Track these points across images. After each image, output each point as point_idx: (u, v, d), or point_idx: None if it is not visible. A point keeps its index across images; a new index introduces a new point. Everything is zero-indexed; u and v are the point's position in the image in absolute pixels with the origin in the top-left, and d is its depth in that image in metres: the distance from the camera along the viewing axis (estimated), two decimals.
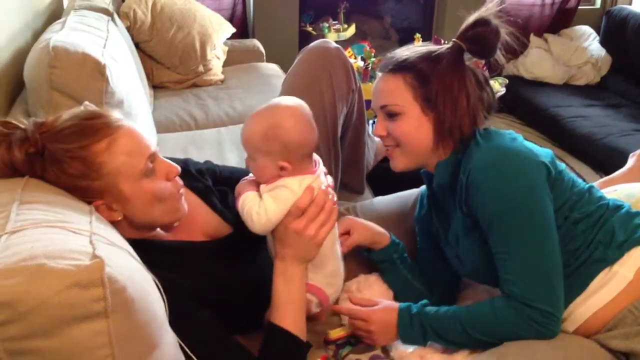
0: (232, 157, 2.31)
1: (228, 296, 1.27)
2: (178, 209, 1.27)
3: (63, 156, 1.10)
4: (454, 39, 1.28)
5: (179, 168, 1.26)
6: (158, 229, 1.31)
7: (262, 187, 1.23)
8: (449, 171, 1.27)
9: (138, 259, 1.00)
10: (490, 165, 1.17)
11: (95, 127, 1.13)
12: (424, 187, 1.51)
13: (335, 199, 1.26)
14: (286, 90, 1.76)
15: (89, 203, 1.11)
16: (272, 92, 2.93)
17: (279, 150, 1.19)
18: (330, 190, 1.25)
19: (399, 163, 1.31)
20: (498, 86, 3.91)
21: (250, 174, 1.29)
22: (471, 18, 1.26)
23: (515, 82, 4.03)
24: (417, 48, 1.31)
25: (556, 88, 4.12)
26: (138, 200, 1.18)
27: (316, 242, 1.20)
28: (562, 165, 1.26)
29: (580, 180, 1.30)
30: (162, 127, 2.64)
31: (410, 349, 1.27)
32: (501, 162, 1.17)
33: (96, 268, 0.79)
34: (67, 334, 0.77)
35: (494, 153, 1.18)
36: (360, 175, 1.95)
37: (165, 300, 1.00)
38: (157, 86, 3.16)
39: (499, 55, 1.29)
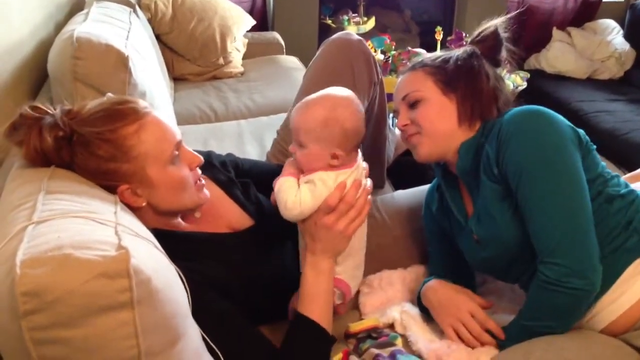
0: (252, 150, 2.31)
1: (250, 287, 1.28)
2: (200, 197, 1.28)
3: (93, 138, 1.11)
4: (469, 44, 1.35)
5: (202, 159, 1.28)
6: (180, 220, 1.31)
7: (302, 177, 1.23)
8: (472, 152, 1.27)
9: (162, 250, 1.00)
10: (522, 121, 1.18)
11: (124, 112, 1.15)
12: (430, 185, 1.52)
13: (370, 189, 1.27)
14: (307, 83, 1.75)
15: (115, 187, 1.13)
16: (292, 84, 2.95)
17: (337, 136, 1.20)
18: (365, 182, 1.25)
19: (423, 150, 1.30)
20: (520, 80, 3.86)
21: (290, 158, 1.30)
22: (489, 27, 1.35)
23: (537, 76, 3.99)
24: (441, 53, 1.38)
25: (579, 82, 4.06)
26: (163, 186, 1.19)
27: (345, 237, 1.22)
28: (593, 146, 1.24)
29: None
30: (183, 119, 2.64)
31: (434, 344, 1.26)
32: (533, 118, 1.17)
33: (122, 259, 0.79)
34: (92, 324, 0.78)
35: (526, 111, 1.19)
36: (381, 168, 1.94)
37: (189, 291, 1.00)
38: (177, 78, 3.17)
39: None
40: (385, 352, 1.23)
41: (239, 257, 1.31)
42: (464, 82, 1.28)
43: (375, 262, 1.40)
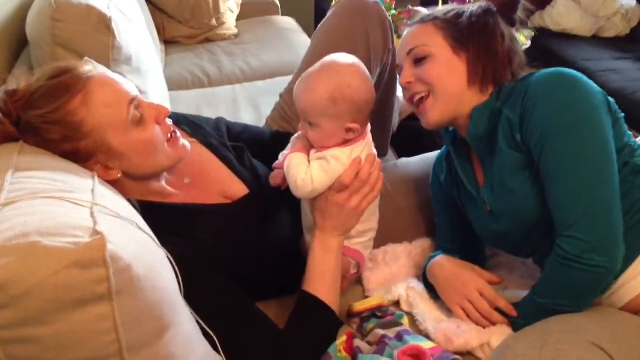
0: (247, 117, 2.23)
1: (249, 261, 1.21)
2: (177, 152, 1.18)
3: (39, 123, 1.03)
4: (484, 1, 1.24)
5: (168, 109, 1.18)
6: (166, 186, 1.23)
7: (312, 152, 1.16)
8: (486, 117, 1.18)
9: (147, 230, 0.92)
10: (550, 85, 1.09)
11: (64, 85, 1.05)
12: (438, 152, 1.43)
13: (381, 164, 1.20)
14: (317, 47, 1.64)
15: (84, 165, 1.05)
16: (289, 46, 2.89)
17: (348, 111, 1.13)
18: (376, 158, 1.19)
19: (433, 114, 1.20)
20: (524, 39, 3.74)
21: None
22: None
23: (542, 35, 3.84)
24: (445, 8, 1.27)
25: (584, 40, 3.94)
26: (132, 152, 1.10)
27: (357, 214, 1.16)
28: (621, 114, 1.16)
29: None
30: (174, 84, 2.56)
31: (442, 323, 1.19)
32: (563, 82, 1.09)
33: (97, 245, 0.70)
34: (66, 319, 0.69)
35: (554, 74, 1.10)
36: (386, 137, 1.84)
37: (179, 273, 0.92)
38: (168, 41, 3.06)
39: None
40: (391, 333, 1.16)
41: (235, 230, 1.24)
42: (477, 41, 1.18)
43: (379, 236, 1.32)
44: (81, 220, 0.76)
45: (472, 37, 1.18)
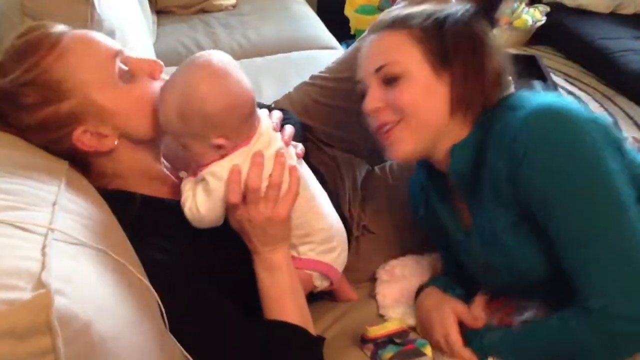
0: None
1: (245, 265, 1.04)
2: None
3: (13, 88, 0.92)
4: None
5: (161, 63, 1.03)
6: (168, 173, 1.09)
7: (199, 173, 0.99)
8: (470, 153, 0.98)
9: (125, 246, 0.76)
10: (542, 130, 0.89)
11: (35, 41, 0.94)
12: (410, 181, 1.23)
13: (294, 152, 1.02)
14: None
15: (69, 139, 0.93)
16: (291, 19, 2.76)
17: (204, 127, 0.93)
18: (278, 146, 0.98)
19: (404, 147, 0.99)
20: (539, 14, 3.60)
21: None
22: None
23: (557, 10, 3.70)
24: (421, 6, 1.05)
25: (602, 17, 3.76)
26: (125, 109, 0.97)
27: (279, 221, 0.96)
28: (622, 134, 1.01)
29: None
30: (166, 59, 2.24)
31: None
32: (555, 125, 0.89)
33: (39, 305, 0.52)
34: None
35: (544, 115, 0.90)
36: None
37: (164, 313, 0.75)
38: (160, 11, 2.90)
39: None
40: None
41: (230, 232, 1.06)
42: (464, 57, 0.97)
43: (395, 247, 1.15)
44: (26, 261, 0.57)
45: (457, 52, 0.97)
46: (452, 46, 0.97)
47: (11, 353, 0.50)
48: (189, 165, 1.02)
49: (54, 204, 0.73)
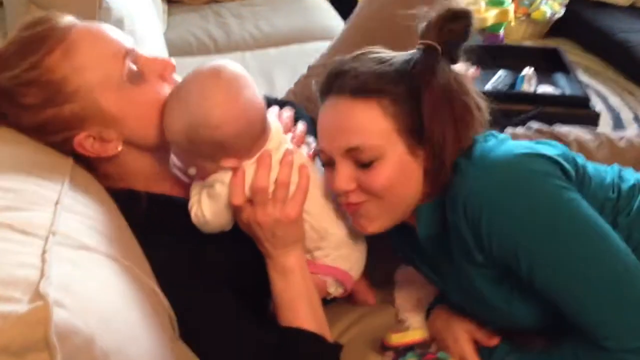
0: (258, 88, 1.99)
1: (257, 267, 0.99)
2: None
3: (13, 86, 0.86)
4: (422, 42, 0.91)
5: (173, 62, 0.96)
6: (179, 173, 1.03)
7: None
8: (437, 216, 0.92)
9: (135, 248, 0.75)
10: (490, 192, 0.84)
11: (39, 36, 0.87)
12: None
13: (306, 151, 0.99)
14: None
15: (71, 142, 0.87)
16: (304, 10, 2.70)
17: (214, 151, 0.89)
18: (284, 145, 0.95)
19: (374, 224, 0.93)
20: (557, 6, 3.53)
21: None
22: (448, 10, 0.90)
23: (576, 2, 3.63)
24: (379, 56, 0.93)
25: (621, 10, 3.71)
26: (132, 115, 0.90)
27: (290, 221, 0.91)
28: (579, 158, 0.93)
29: (602, 168, 0.97)
30: (176, 49, 2.36)
31: None
32: (502, 183, 0.84)
33: (36, 319, 0.47)
34: None
35: (484, 175, 0.85)
36: None
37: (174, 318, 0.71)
38: (171, 0, 2.85)
39: None
40: None
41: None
42: (441, 127, 0.87)
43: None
44: (24, 268, 0.52)
45: (435, 122, 0.87)
46: (430, 117, 0.87)
47: None
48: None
49: (57, 203, 0.68)
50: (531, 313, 0.89)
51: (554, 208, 0.82)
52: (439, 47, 0.89)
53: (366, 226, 0.93)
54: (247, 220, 0.91)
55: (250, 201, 0.90)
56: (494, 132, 0.95)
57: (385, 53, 0.94)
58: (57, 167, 0.81)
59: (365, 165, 0.88)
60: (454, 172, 0.88)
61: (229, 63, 0.92)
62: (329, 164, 0.93)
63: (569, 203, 0.82)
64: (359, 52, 0.95)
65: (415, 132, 0.88)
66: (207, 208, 0.91)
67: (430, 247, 0.96)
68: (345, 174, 0.89)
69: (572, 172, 0.86)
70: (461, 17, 0.90)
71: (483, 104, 0.94)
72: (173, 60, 0.96)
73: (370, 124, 0.88)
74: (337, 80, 0.91)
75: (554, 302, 0.84)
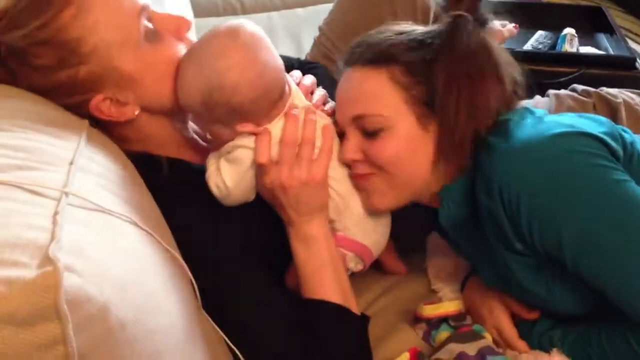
0: (285, 50, 1.94)
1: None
2: None
3: (25, 46, 0.80)
4: (452, 13, 0.86)
5: (189, 19, 0.91)
6: (198, 138, 0.99)
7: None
8: (463, 198, 0.87)
9: (155, 212, 0.71)
10: (526, 179, 0.78)
11: None
12: None
13: (326, 106, 0.96)
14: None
15: (87, 105, 0.83)
16: None
17: (230, 116, 0.85)
18: (305, 105, 0.91)
19: (383, 197, 0.90)
20: None
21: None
22: None
23: None
24: (400, 28, 0.90)
25: None
26: (149, 77, 0.86)
27: (316, 184, 0.88)
28: (627, 133, 0.86)
29: None
30: (202, 10, 2.28)
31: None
32: (540, 165, 0.78)
33: (45, 285, 0.43)
34: None
35: (521, 157, 0.79)
36: None
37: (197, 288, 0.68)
38: None
39: None
40: (470, 350, 0.90)
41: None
42: (455, 100, 0.82)
43: None
44: (33, 231, 0.48)
45: (449, 93, 0.82)
46: (443, 87, 0.83)
47: (11, 344, 0.41)
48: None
49: (71, 163, 0.64)
50: (573, 300, 0.84)
51: (600, 191, 0.76)
52: (469, 16, 0.85)
53: (375, 202, 0.90)
54: (271, 184, 0.87)
55: (275, 163, 0.86)
56: (530, 107, 0.88)
57: (409, 26, 0.90)
58: (72, 124, 0.76)
59: (370, 134, 0.85)
60: (487, 152, 0.82)
61: (247, 23, 0.87)
62: (342, 136, 0.91)
63: (616, 185, 0.75)
64: (384, 25, 0.92)
65: (428, 104, 0.83)
66: (228, 174, 0.87)
67: (454, 231, 0.92)
68: (352, 143, 0.88)
69: (620, 150, 0.79)
70: None
71: (516, 75, 0.87)
72: (190, 17, 0.91)
73: (377, 92, 0.86)
74: (356, 51, 0.90)
75: (601, 290, 0.78)
